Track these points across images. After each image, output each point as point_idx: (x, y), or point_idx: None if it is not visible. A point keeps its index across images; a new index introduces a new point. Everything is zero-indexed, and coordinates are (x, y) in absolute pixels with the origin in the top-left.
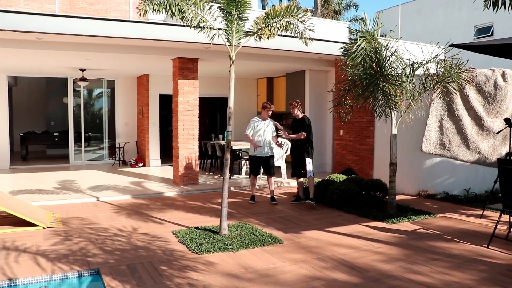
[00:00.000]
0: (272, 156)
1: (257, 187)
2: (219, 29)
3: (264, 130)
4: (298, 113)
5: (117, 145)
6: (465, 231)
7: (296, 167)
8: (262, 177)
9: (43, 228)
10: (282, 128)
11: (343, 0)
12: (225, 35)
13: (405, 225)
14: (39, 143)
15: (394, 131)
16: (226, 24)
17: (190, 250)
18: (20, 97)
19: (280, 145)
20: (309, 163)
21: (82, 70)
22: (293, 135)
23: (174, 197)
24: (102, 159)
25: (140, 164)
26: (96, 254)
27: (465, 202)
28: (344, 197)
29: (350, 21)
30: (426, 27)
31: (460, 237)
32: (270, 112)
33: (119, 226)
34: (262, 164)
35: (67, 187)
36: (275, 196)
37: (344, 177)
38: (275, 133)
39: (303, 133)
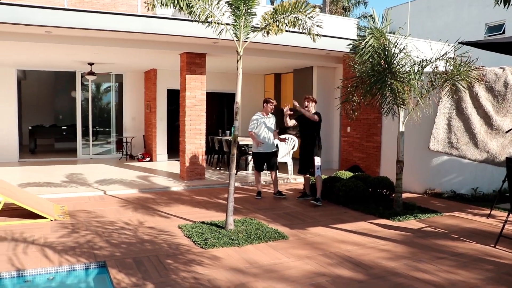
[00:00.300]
0: (276, 152)
1: (263, 183)
2: (227, 24)
3: (267, 126)
4: (311, 108)
5: (124, 140)
6: (472, 230)
7: (303, 164)
8: (268, 173)
9: (51, 220)
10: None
11: None
12: (233, 30)
13: (411, 223)
14: (47, 137)
15: (402, 128)
16: (234, 19)
17: (195, 245)
18: (29, 90)
19: (283, 140)
20: (317, 162)
21: (90, 64)
22: (307, 113)
23: (180, 191)
24: (109, 153)
25: (147, 159)
26: (102, 247)
27: (472, 201)
28: (350, 194)
29: (359, 18)
30: (436, 25)
31: (467, 236)
32: (272, 107)
33: (126, 220)
34: (267, 160)
35: (74, 181)
36: (282, 191)
37: (351, 174)
38: (277, 129)
39: (316, 116)
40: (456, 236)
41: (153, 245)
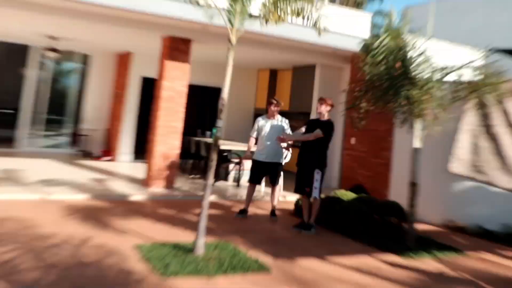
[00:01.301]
0: (279, 164)
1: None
2: (221, 8)
3: (268, 131)
4: (325, 113)
5: (82, 133)
6: (503, 279)
7: (301, 180)
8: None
9: None
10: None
11: None
12: (227, 16)
13: (426, 262)
14: None
15: (418, 144)
16: (230, 3)
17: (153, 271)
18: None
19: (287, 148)
20: (317, 176)
21: (53, 38)
22: (302, 137)
23: (142, 202)
24: (61, 148)
25: (107, 158)
26: (27, 270)
27: (503, 239)
28: (352, 221)
29: (374, 15)
30: (461, 29)
31: (496, 285)
32: (276, 108)
33: (67, 233)
34: (267, 172)
35: (10, 178)
36: (275, 211)
37: (353, 195)
38: (289, 130)
39: (320, 131)
40: (484, 285)
41: (97, 270)
